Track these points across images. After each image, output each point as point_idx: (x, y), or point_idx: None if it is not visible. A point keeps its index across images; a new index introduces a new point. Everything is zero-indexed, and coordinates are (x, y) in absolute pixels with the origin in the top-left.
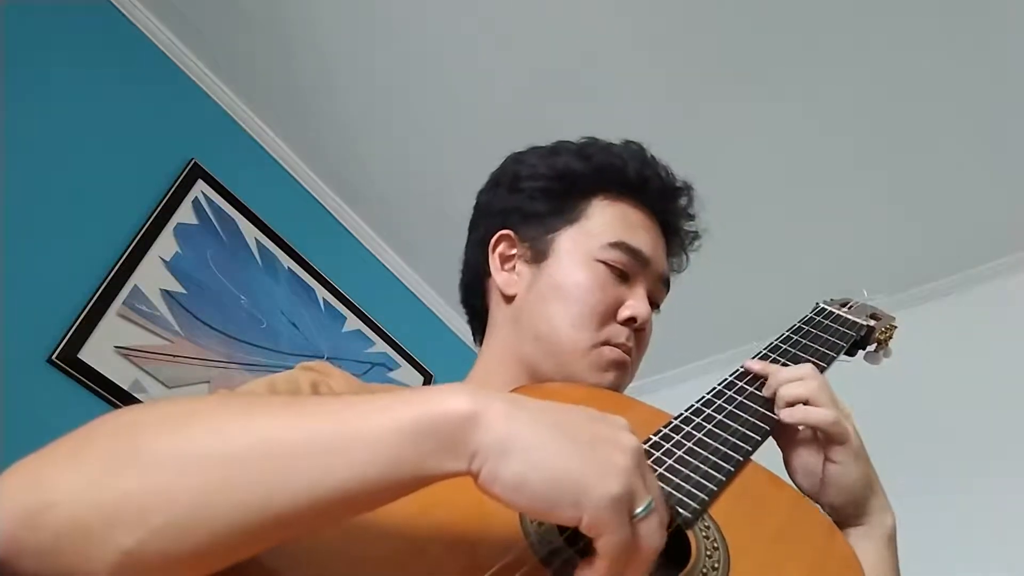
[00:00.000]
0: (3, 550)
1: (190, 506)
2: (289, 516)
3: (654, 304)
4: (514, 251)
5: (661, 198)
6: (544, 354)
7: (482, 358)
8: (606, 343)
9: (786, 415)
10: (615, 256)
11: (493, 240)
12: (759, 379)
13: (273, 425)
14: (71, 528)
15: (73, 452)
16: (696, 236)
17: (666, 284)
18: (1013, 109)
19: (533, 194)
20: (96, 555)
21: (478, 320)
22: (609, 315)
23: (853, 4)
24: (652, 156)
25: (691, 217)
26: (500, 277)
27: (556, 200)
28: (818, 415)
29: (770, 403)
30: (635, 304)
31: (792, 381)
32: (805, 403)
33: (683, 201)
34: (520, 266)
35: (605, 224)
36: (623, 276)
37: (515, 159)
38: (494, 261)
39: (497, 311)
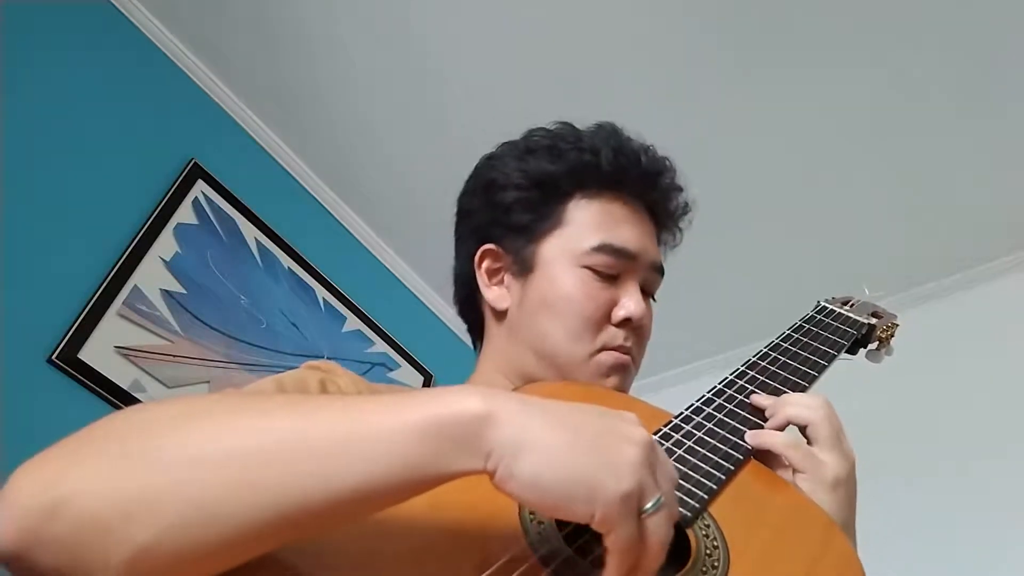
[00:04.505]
0: (21, 544)
1: (206, 503)
2: (305, 514)
3: (649, 293)
4: (500, 264)
5: (642, 183)
6: (544, 368)
7: (481, 368)
8: (603, 348)
9: (749, 437)
10: (600, 260)
11: (477, 256)
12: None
13: (290, 424)
14: (87, 523)
15: (90, 448)
16: (686, 209)
17: (660, 271)
18: (1014, 109)
19: (511, 206)
20: (112, 550)
21: (475, 331)
22: (603, 320)
23: (853, 4)
24: (627, 139)
25: (678, 191)
26: (489, 293)
27: (534, 209)
28: (773, 439)
29: None
30: (628, 304)
31: (801, 404)
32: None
33: (666, 180)
34: (508, 279)
35: (586, 226)
36: (612, 276)
37: (488, 164)
38: (481, 277)
39: (491, 325)
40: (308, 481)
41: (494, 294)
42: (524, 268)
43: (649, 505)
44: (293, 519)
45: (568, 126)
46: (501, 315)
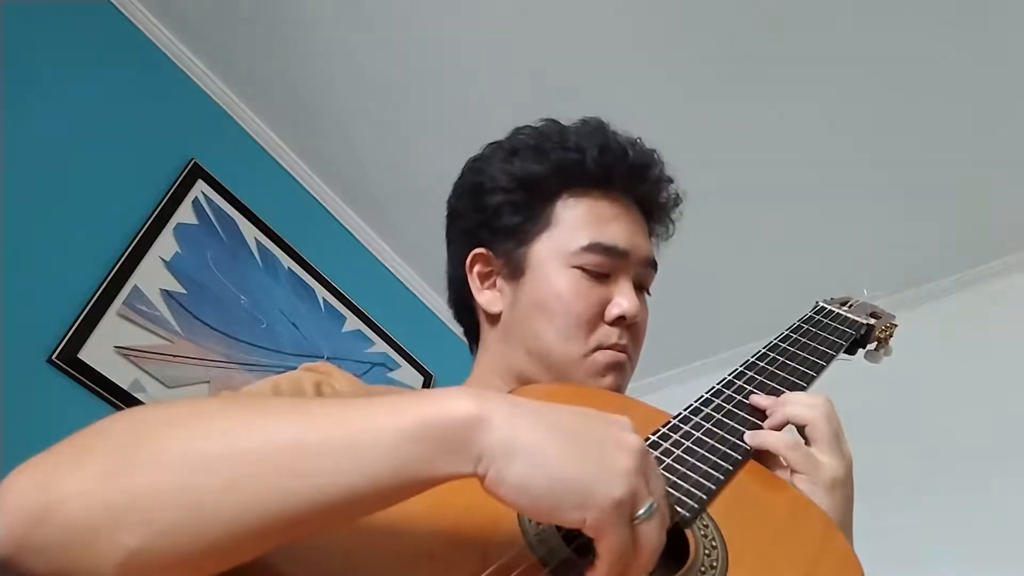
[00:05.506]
0: (12, 547)
1: (197, 506)
2: (297, 517)
3: (643, 288)
4: (491, 268)
5: (629, 179)
6: (539, 369)
7: (477, 371)
8: (598, 348)
9: (748, 437)
10: (590, 259)
11: (468, 260)
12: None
13: (282, 427)
14: (79, 526)
15: (82, 451)
16: (677, 200)
17: (653, 266)
18: (1014, 109)
19: (498, 209)
20: (103, 553)
21: (471, 334)
22: (596, 318)
23: (854, 4)
24: (613, 134)
25: (667, 183)
26: (482, 297)
27: (522, 211)
28: (771, 439)
29: None
30: (621, 302)
31: (801, 404)
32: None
33: (654, 172)
34: (500, 282)
35: (575, 226)
36: (604, 275)
37: (474, 167)
38: (473, 281)
39: (486, 328)
40: (299, 484)
41: (486, 298)
42: (515, 271)
43: (642, 511)
44: (284, 522)
45: (553, 123)
46: (495, 318)
